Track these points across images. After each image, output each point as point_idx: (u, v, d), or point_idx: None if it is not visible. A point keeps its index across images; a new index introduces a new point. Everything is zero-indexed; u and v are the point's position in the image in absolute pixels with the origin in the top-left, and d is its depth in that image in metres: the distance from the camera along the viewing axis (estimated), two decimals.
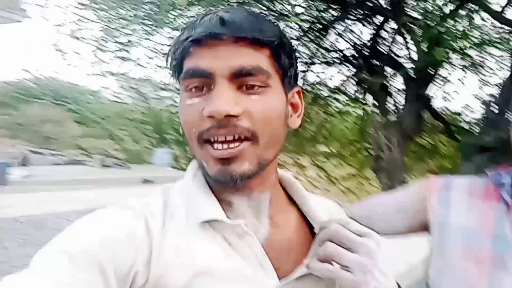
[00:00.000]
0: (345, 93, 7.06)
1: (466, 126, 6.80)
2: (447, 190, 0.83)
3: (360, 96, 6.96)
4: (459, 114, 6.98)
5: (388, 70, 6.37)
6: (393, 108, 6.64)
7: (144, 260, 0.52)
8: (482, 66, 6.53)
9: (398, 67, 6.09)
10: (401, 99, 6.63)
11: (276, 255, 0.58)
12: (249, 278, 0.55)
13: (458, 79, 6.75)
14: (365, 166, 8.43)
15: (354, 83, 6.79)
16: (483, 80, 6.48)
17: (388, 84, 6.39)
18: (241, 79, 0.53)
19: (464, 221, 0.77)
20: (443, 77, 6.51)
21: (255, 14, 0.54)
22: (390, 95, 6.50)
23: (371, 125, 5.52)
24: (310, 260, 0.59)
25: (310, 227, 0.66)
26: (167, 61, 0.56)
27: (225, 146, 0.52)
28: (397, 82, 6.59)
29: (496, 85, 6.22)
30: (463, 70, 6.66)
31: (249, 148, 0.54)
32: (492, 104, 6.43)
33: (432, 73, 5.92)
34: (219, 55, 0.52)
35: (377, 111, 7.07)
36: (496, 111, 4.28)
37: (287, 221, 0.64)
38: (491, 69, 6.36)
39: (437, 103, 7.00)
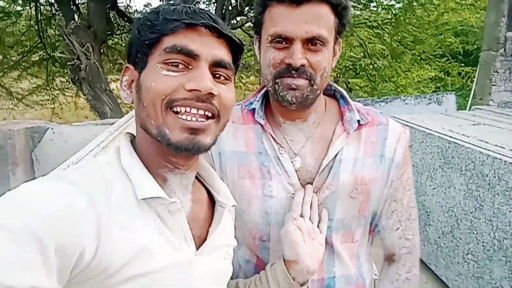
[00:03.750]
0: None
1: None
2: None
3: None
4: (142, 12, 7.14)
5: None
6: (75, 8, 6.06)
7: (92, 236, 0.53)
8: None
9: None
10: None
11: (194, 227, 0.65)
12: (176, 250, 0.61)
13: None
14: (55, 75, 7.66)
15: None
16: None
17: None
18: (217, 69, 0.61)
19: (234, 145, 0.89)
20: None
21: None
22: None
23: (60, 30, 4.87)
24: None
25: (211, 198, 0.74)
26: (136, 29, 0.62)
27: (194, 118, 0.59)
28: None
29: None
30: None
31: (212, 125, 0.61)
32: (172, 1, 6.91)
33: None
34: (206, 43, 0.60)
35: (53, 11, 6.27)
36: None
37: (201, 197, 0.70)
38: None
39: (122, 1, 6.86)
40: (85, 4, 6.09)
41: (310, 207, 0.83)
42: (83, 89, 4.96)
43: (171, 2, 0.73)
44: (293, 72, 0.78)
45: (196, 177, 0.70)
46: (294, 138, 0.87)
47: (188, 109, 0.58)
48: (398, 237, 0.91)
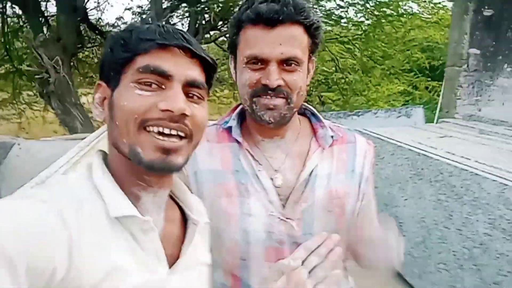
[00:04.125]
0: None
1: None
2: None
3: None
4: (114, 26, 7.07)
5: None
6: (44, 20, 5.93)
7: (63, 255, 0.52)
8: None
9: None
10: (52, 10, 5.97)
11: (167, 246, 0.64)
12: (148, 269, 0.60)
13: None
14: (22, 89, 7.42)
15: None
16: None
17: None
18: (190, 88, 0.62)
19: (209, 164, 0.88)
20: None
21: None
22: (39, 5, 5.71)
23: (28, 43, 4.74)
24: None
25: (183, 216, 0.73)
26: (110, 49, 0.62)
27: (166, 138, 0.59)
28: None
29: None
30: None
31: (185, 145, 0.61)
32: (144, 15, 6.89)
33: None
34: (179, 64, 0.60)
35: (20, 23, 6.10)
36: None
37: (174, 215, 0.70)
38: None
39: (93, 15, 6.76)
40: (55, 16, 5.98)
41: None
42: (52, 103, 4.82)
43: (145, 19, 0.73)
44: (269, 92, 0.79)
45: (169, 195, 0.70)
46: (273, 155, 0.88)
47: (161, 129, 0.58)
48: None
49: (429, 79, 8.65)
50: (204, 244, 0.75)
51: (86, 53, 7.18)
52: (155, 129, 0.58)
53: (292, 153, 0.88)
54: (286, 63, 0.79)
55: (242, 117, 0.92)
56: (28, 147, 3.30)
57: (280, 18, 0.77)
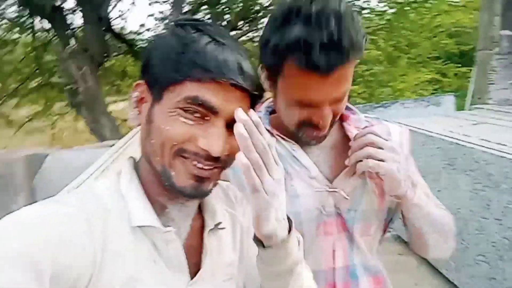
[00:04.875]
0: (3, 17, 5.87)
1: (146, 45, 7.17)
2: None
3: (29, 21, 5.98)
4: (137, 33, 7.22)
5: None
6: (71, 32, 6.12)
7: (88, 262, 0.52)
8: None
9: None
10: (79, 22, 6.16)
11: (192, 255, 0.63)
12: (169, 279, 0.59)
13: None
14: (53, 100, 7.70)
15: (17, 4, 5.70)
16: None
17: (61, 6, 5.71)
18: (233, 123, 0.57)
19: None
20: None
21: (250, 61, 0.61)
22: (66, 18, 5.89)
23: (59, 55, 4.91)
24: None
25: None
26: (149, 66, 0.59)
27: (200, 166, 0.58)
28: (70, 3, 6.00)
29: (165, 1, 6.66)
30: None
31: (217, 172, 0.61)
32: (167, 20, 6.98)
33: None
34: (228, 98, 0.57)
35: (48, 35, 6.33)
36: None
37: (198, 220, 0.68)
38: None
39: (116, 24, 6.93)
40: (81, 27, 6.17)
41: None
42: (82, 113, 4.97)
43: (202, 27, 0.63)
44: (319, 125, 0.77)
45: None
46: (306, 148, 0.86)
47: (195, 162, 0.57)
48: None
49: (459, 65, 8.35)
50: (229, 244, 0.72)
51: (112, 61, 7.37)
52: (189, 160, 0.57)
53: (326, 144, 0.86)
54: (337, 99, 0.75)
55: (270, 111, 0.91)
56: (60, 157, 3.42)
57: (335, 65, 0.69)
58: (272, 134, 0.87)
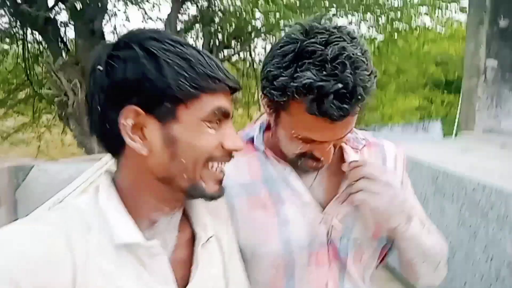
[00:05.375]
0: None
1: None
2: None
3: (21, 32, 5.95)
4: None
5: (51, 2, 5.66)
6: (63, 45, 6.11)
7: (68, 280, 0.52)
8: (143, 1, 6.83)
9: None
10: (71, 35, 6.15)
11: (178, 268, 0.62)
12: None
13: (124, 13, 6.88)
14: (41, 112, 7.61)
15: (9, 15, 5.67)
16: (147, 14, 6.84)
17: (53, 18, 5.71)
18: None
19: (238, 178, 0.86)
20: (109, 10, 6.41)
21: None
22: (59, 30, 5.88)
23: (48, 67, 4.88)
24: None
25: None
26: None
27: (222, 167, 0.64)
28: (63, 16, 6.00)
29: (159, 19, 6.72)
30: (126, 4, 6.76)
31: None
32: None
33: (99, 6, 5.74)
34: (229, 100, 0.62)
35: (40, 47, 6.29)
36: None
37: (185, 232, 0.68)
38: (152, 3, 6.75)
39: (109, 38, 6.94)
40: (73, 41, 6.15)
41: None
42: (71, 125, 4.92)
43: (184, 43, 0.59)
44: (321, 159, 0.77)
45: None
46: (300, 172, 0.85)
47: (222, 164, 0.63)
48: None
49: (445, 92, 8.55)
50: (218, 258, 0.72)
51: None
52: (216, 164, 0.62)
53: (321, 170, 0.85)
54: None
55: (264, 129, 0.90)
56: (47, 168, 3.35)
57: (350, 114, 0.68)
58: (265, 155, 0.86)
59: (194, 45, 0.61)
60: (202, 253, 0.66)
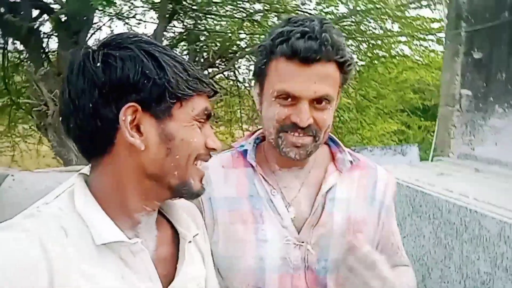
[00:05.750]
0: None
1: None
2: (204, 169, 0.91)
3: (1, 41, 5.85)
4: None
5: (35, 12, 5.60)
6: (45, 56, 6.04)
7: (44, 286, 0.51)
8: (128, 17, 6.86)
9: (46, 10, 5.48)
10: (54, 46, 6.09)
11: (161, 266, 0.63)
12: None
13: (108, 27, 6.87)
14: (18, 121, 7.43)
15: None
16: (132, 30, 6.85)
17: (36, 29, 5.65)
18: None
19: (224, 191, 0.88)
20: (94, 23, 6.40)
21: None
22: (41, 41, 5.82)
23: (29, 76, 4.80)
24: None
25: (175, 231, 0.72)
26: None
27: (205, 164, 0.67)
28: (46, 27, 5.95)
29: (144, 35, 6.73)
30: (111, 19, 6.77)
31: None
32: None
33: (84, 19, 5.72)
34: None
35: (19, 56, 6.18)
36: None
37: (166, 232, 0.69)
38: (138, 20, 6.78)
39: None
40: (55, 51, 6.09)
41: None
42: (49, 136, 4.81)
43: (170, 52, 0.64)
44: (298, 130, 0.78)
45: (159, 212, 0.70)
46: (288, 184, 0.87)
47: (203, 163, 0.66)
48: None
49: (422, 118, 8.80)
50: (201, 255, 0.75)
51: None
52: (199, 162, 0.65)
53: (308, 182, 0.88)
54: (318, 101, 0.78)
55: (258, 142, 0.93)
56: (22, 178, 3.25)
57: (318, 58, 0.75)
58: (255, 172, 0.87)
59: None
60: (187, 250, 0.68)
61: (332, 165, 0.89)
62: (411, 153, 4.87)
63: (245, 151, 0.90)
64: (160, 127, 0.60)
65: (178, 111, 0.61)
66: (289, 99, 0.78)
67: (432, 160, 4.10)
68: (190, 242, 0.69)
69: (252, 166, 0.88)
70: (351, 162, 0.89)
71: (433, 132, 4.82)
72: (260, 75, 0.84)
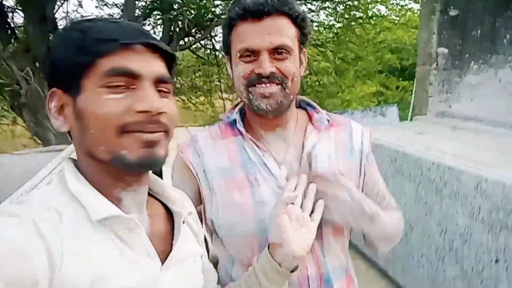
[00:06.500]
0: None
1: None
2: (195, 143, 0.93)
3: None
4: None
5: None
6: (10, 32, 5.75)
7: (44, 266, 0.51)
8: None
9: None
10: (20, 21, 5.80)
11: (157, 243, 0.64)
12: (140, 268, 0.60)
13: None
14: None
15: None
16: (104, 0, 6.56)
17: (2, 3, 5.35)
18: (159, 84, 0.60)
19: (217, 162, 0.90)
20: None
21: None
22: (6, 16, 5.53)
23: None
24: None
25: (167, 211, 0.72)
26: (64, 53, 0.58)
27: (147, 134, 0.58)
28: (10, 1, 5.64)
29: (115, 5, 6.47)
30: None
31: (163, 138, 0.60)
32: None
33: None
34: (145, 61, 0.58)
35: None
36: None
37: (158, 211, 0.69)
38: None
39: (62, 25, 6.60)
40: (22, 27, 5.81)
41: (305, 196, 0.84)
42: (24, 116, 4.67)
43: (93, 19, 0.61)
44: (264, 80, 0.82)
45: (149, 193, 0.70)
46: (276, 147, 0.91)
47: (140, 131, 0.57)
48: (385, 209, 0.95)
49: (400, 79, 8.90)
50: (194, 235, 0.75)
51: None
52: (135, 133, 0.57)
53: (294, 143, 0.91)
54: (277, 52, 0.82)
55: (243, 113, 0.94)
56: (1, 161, 3.19)
57: (266, 10, 0.81)
58: (245, 139, 0.89)
59: (150, 32, 0.60)
60: (182, 227, 0.68)
61: (310, 125, 0.93)
62: (390, 114, 4.96)
63: (234, 121, 0.92)
64: (74, 105, 0.57)
65: (86, 83, 0.56)
66: (251, 55, 0.83)
67: (411, 120, 4.19)
68: (183, 222, 0.69)
69: (241, 134, 0.90)
70: (328, 120, 0.92)
71: (411, 91, 4.89)
72: (226, 46, 0.89)
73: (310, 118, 0.96)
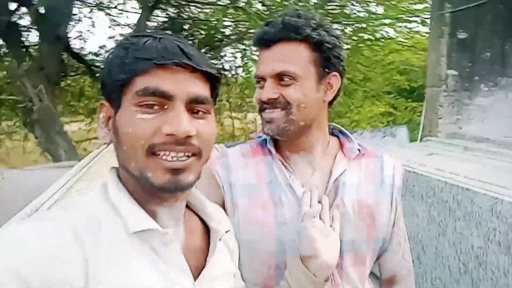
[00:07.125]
0: None
1: None
2: (225, 157, 0.94)
3: None
4: (97, 54, 7.07)
5: (13, 6, 5.46)
6: (25, 51, 5.90)
7: (79, 273, 0.51)
8: (109, 7, 6.73)
9: (26, 3, 5.34)
10: (34, 40, 5.96)
11: (191, 258, 0.63)
12: (172, 283, 0.59)
13: (89, 18, 6.74)
14: (2, 119, 7.28)
15: None
16: (114, 20, 6.73)
17: (15, 22, 5.51)
18: (194, 105, 0.59)
19: (244, 179, 0.91)
20: (74, 15, 6.26)
21: (194, 48, 0.61)
22: (21, 35, 5.68)
23: (11, 72, 4.69)
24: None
25: (205, 226, 0.72)
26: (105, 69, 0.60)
27: (175, 158, 0.57)
28: (26, 20, 5.80)
29: (127, 25, 6.63)
30: (91, 10, 6.64)
31: (194, 162, 0.59)
32: None
33: (64, 10, 5.60)
34: (179, 81, 0.57)
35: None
36: None
37: (195, 226, 0.69)
38: (120, 10, 6.66)
39: (75, 44, 6.76)
40: (37, 46, 5.95)
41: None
42: (36, 132, 4.73)
43: (141, 34, 0.62)
44: (266, 106, 0.85)
45: (188, 206, 0.69)
46: (301, 169, 0.91)
47: (167, 153, 0.57)
48: (399, 260, 0.95)
49: (408, 100, 8.90)
50: (229, 253, 0.75)
51: (68, 81, 7.14)
52: (162, 152, 0.56)
53: (320, 168, 0.91)
54: (280, 78, 0.83)
55: None
56: (12, 176, 3.21)
57: (274, 39, 0.83)
58: (273, 159, 0.90)
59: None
60: (218, 244, 0.67)
61: (341, 152, 0.92)
62: (400, 135, 4.94)
63: (264, 140, 0.93)
64: (114, 119, 0.59)
65: (124, 99, 0.57)
66: (261, 82, 0.86)
67: (421, 141, 4.16)
68: (220, 239, 0.68)
69: (271, 153, 0.90)
70: (359, 150, 0.91)
71: (420, 112, 4.89)
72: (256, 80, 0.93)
73: (341, 146, 0.95)
